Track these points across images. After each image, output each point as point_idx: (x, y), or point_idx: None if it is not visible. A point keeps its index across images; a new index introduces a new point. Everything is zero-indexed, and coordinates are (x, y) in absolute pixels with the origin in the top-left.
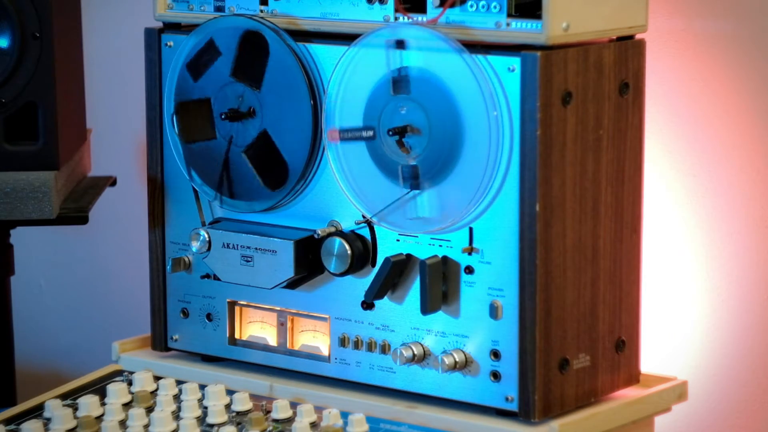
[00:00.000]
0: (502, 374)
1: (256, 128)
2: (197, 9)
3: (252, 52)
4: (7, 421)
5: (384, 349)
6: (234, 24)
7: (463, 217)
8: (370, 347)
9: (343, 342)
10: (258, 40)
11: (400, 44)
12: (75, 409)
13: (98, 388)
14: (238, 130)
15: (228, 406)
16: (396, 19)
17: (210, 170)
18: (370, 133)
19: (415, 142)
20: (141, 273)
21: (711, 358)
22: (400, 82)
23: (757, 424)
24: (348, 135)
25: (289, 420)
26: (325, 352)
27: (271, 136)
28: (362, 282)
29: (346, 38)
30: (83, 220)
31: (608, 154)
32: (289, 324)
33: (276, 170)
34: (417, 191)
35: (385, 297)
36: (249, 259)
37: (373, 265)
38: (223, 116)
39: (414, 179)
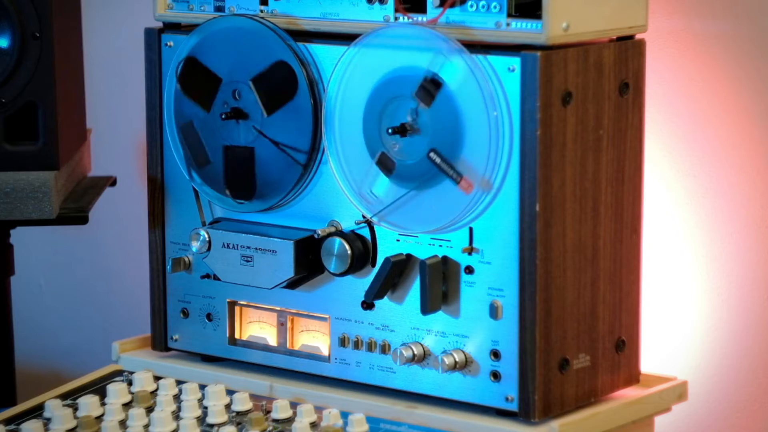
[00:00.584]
0: (502, 374)
1: (248, 140)
2: (197, 9)
3: (280, 82)
4: (7, 421)
5: (384, 349)
6: (241, 25)
7: (463, 217)
8: (370, 347)
9: (343, 342)
10: (289, 76)
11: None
12: (75, 409)
13: (98, 388)
14: (231, 123)
15: (228, 406)
16: (396, 19)
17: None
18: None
19: (416, 142)
20: (141, 273)
21: (711, 358)
22: (426, 90)
23: (757, 424)
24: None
25: (289, 420)
26: (325, 352)
27: (255, 158)
28: (362, 282)
29: (346, 38)
30: (83, 220)
31: (608, 154)
32: (289, 324)
33: (244, 185)
34: (416, 191)
35: (385, 297)
36: (249, 259)
37: (373, 265)
38: (223, 116)
39: (414, 180)
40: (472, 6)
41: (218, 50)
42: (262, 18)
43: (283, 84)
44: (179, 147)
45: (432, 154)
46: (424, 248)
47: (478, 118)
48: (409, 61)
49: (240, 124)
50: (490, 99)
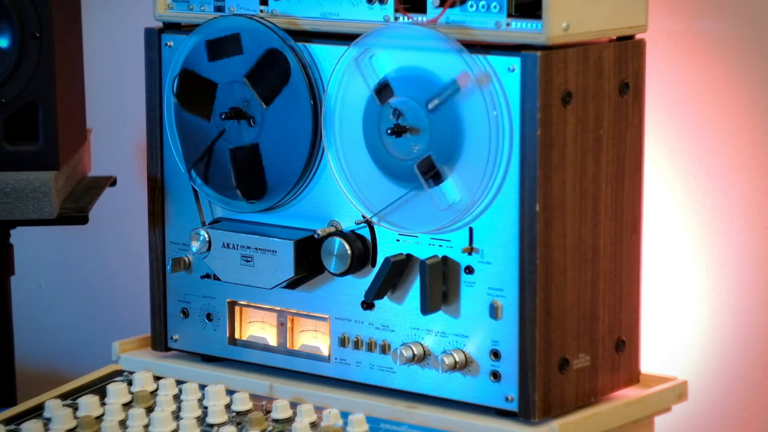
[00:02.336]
0: (502, 374)
1: (251, 137)
2: (197, 9)
3: (273, 71)
4: (7, 421)
5: (384, 349)
6: (243, 25)
7: (463, 217)
8: (370, 347)
9: (343, 342)
10: (282, 62)
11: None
12: (75, 409)
13: (98, 388)
14: (233, 126)
15: (228, 406)
16: (396, 19)
17: (194, 147)
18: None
19: (415, 142)
20: (141, 273)
21: (711, 358)
22: (381, 92)
23: (757, 424)
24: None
25: (289, 420)
26: (325, 352)
27: (262, 153)
28: (362, 282)
29: (346, 38)
30: (83, 220)
31: (608, 154)
32: (289, 324)
33: (255, 183)
34: (416, 191)
35: (385, 297)
36: (249, 259)
37: (373, 265)
38: (223, 116)
39: (431, 170)
40: (472, 6)
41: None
42: (262, 18)
43: (276, 72)
44: (179, 147)
45: (430, 105)
46: (424, 248)
47: (478, 118)
48: (409, 61)
49: (241, 123)
50: (490, 99)
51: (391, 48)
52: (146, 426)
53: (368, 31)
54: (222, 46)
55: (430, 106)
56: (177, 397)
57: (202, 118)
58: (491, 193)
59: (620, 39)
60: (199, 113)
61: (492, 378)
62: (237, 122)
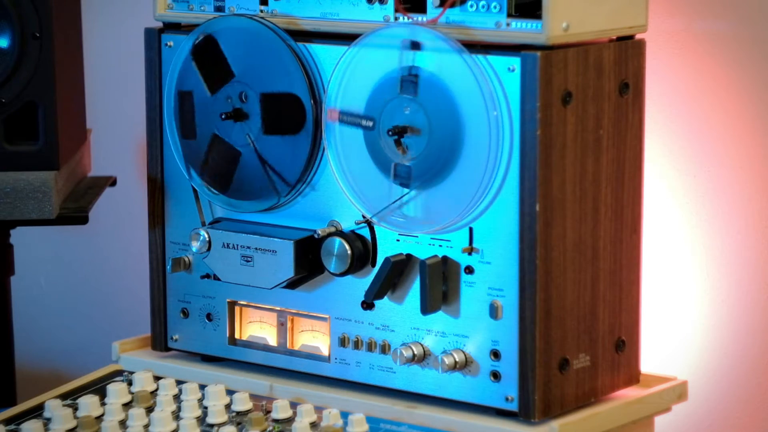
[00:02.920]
0: (502, 374)
1: (238, 143)
2: (197, 9)
3: (288, 112)
4: (7, 421)
5: (384, 349)
6: (241, 25)
7: (464, 217)
8: (370, 347)
9: (343, 342)
10: (298, 111)
11: (415, 45)
12: (75, 409)
13: (98, 388)
14: (241, 129)
15: (228, 406)
16: (396, 19)
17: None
18: (370, 123)
19: (415, 142)
20: (141, 273)
21: (711, 358)
22: (408, 82)
23: (757, 424)
24: (347, 119)
25: (289, 420)
26: (325, 352)
27: (240, 163)
28: (362, 282)
29: (346, 38)
30: (83, 220)
31: (608, 154)
32: (289, 324)
33: (221, 178)
34: (416, 191)
35: (385, 297)
36: (249, 259)
37: (373, 265)
38: (223, 116)
39: (406, 179)
40: (472, 6)
41: (236, 47)
42: (262, 18)
43: (290, 116)
44: (179, 147)
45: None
46: (424, 248)
47: (478, 118)
48: (409, 61)
49: (237, 124)
50: (490, 99)
51: (391, 48)
52: (146, 426)
53: (368, 31)
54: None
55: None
56: (177, 397)
57: (206, 86)
58: (491, 193)
59: (620, 39)
60: (207, 82)
61: (492, 378)
62: (235, 122)
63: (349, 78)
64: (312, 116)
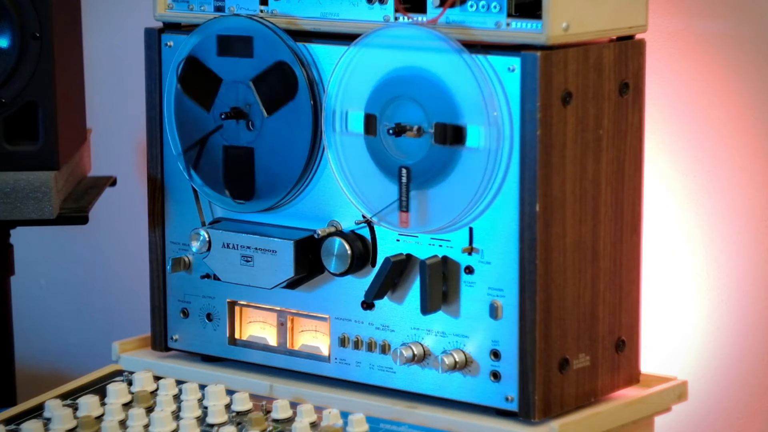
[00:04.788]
0: (502, 374)
1: (247, 140)
2: (197, 9)
3: (280, 82)
4: (7, 421)
5: (384, 349)
6: (241, 25)
7: (464, 217)
8: (370, 347)
9: (343, 342)
10: (290, 75)
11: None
12: (75, 409)
13: (98, 388)
14: (231, 124)
15: (228, 406)
16: (396, 19)
17: (220, 176)
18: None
19: (416, 142)
20: (141, 273)
21: (711, 358)
22: (368, 125)
23: (757, 424)
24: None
25: (289, 420)
26: (325, 352)
27: (255, 158)
28: (362, 282)
29: (346, 38)
30: (83, 220)
31: (608, 154)
32: (289, 324)
33: (244, 185)
34: (415, 191)
35: (385, 297)
36: (249, 259)
37: (373, 265)
38: (223, 116)
39: (410, 179)
40: (472, 6)
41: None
42: (262, 18)
43: (284, 84)
44: (179, 147)
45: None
46: (424, 248)
47: (478, 118)
48: (409, 61)
49: (240, 124)
50: (490, 99)
51: (391, 48)
52: (146, 426)
53: (368, 31)
54: (232, 45)
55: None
56: (177, 397)
57: (201, 107)
58: (491, 193)
59: (620, 39)
60: (200, 103)
61: (492, 378)
62: (236, 121)
63: (349, 78)
64: (312, 116)
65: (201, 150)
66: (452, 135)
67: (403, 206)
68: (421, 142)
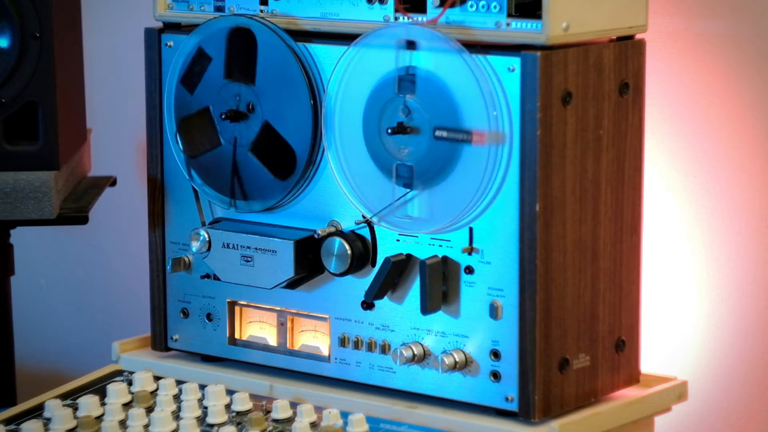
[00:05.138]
0: (502, 374)
1: (258, 123)
2: (197, 9)
3: (240, 49)
4: (7, 421)
5: (384, 349)
6: (229, 24)
7: (464, 217)
8: (370, 347)
9: (343, 342)
10: (244, 35)
11: (411, 45)
12: (75, 409)
13: (98, 388)
14: (240, 130)
15: (228, 406)
16: (396, 19)
17: (220, 177)
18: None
19: (415, 142)
20: (141, 273)
21: (711, 358)
22: (405, 81)
23: (757, 424)
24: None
25: (289, 420)
26: (325, 352)
27: (274, 125)
28: (362, 282)
29: (346, 38)
30: (83, 220)
31: (608, 154)
32: (289, 324)
33: (284, 159)
34: (414, 191)
35: (385, 297)
36: (249, 259)
37: (373, 265)
38: (223, 116)
39: (409, 179)
40: (472, 6)
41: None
42: (262, 18)
43: (244, 47)
44: (173, 118)
45: (438, 132)
46: (424, 248)
47: (478, 118)
48: (408, 61)
49: (242, 124)
50: (490, 99)
51: (391, 48)
52: (146, 426)
53: (368, 31)
54: (193, 71)
55: (436, 134)
56: (177, 397)
57: (214, 148)
58: (491, 193)
59: (620, 39)
60: (210, 145)
61: (492, 378)
62: (242, 123)
63: (349, 78)
64: (312, 115)
65: (239, 178)
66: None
67: (466, 138)
68: (421, 142)
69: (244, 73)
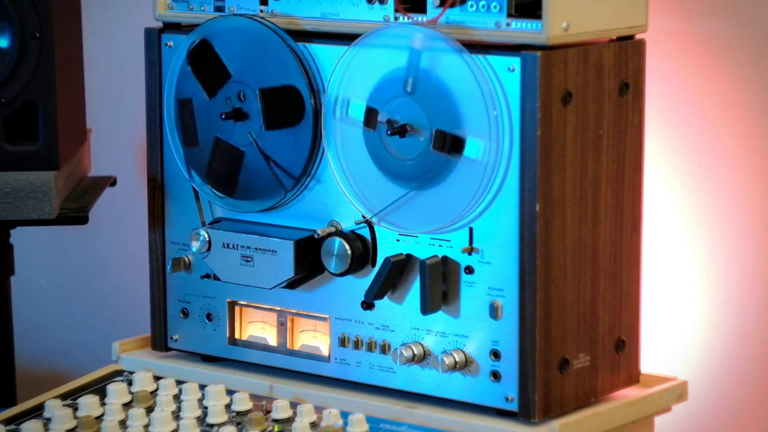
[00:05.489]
0: (502, 374)
1: (258, 123)
2: (197, 9)
3: (286, 106)
4: (7, 421)
5: (384, 349)
6: (239, 25)
7: (463, 217)
8: (370, 347)
9: (343, 342)
10: (298, 102)
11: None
12: (75, 409)
13: (98, 388)
14: (241, 129)
15: (228, 406)
16: (396, 19)
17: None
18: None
19: (415, 142)
20: (141, 273)
21: (711, 358)
22: (368, 118)
23: (757, 424)
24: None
25: (289, 420)
26: (325, 352)
27: (244, 162)
28: (362, 282)
29: (346, 38)
30: (83, 220)
31: (608, 154)
32: (289, 324)
33: (227, 181)
34: (415, 191)
35: (385, 297)
36: (249, 259)
37: (373, 265)
38: (223, 116)
39: (410, 179)
40: (472, 6)
41: (231, 47)
42: (262, 18)
43: (290, 107)
44: (179, 147)
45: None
46: (424, 248)
47: (478, 118)
48: (399, 62)
49: (237, 124)
50: (490, 99)
51: (391, 48)
52: (146, 426)
53: (368, 31)
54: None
55: (408, 89)
56: (177, 397)
57: (206, 92)
58: (491, 193)
59: (620, 39)
60: (205, 87)
61: (492, 378)
62: (234, 120)
63: (349, 78)
64: (312, 116)
65: (194, 131)
66: (451, 142)
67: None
68: (421, 142)
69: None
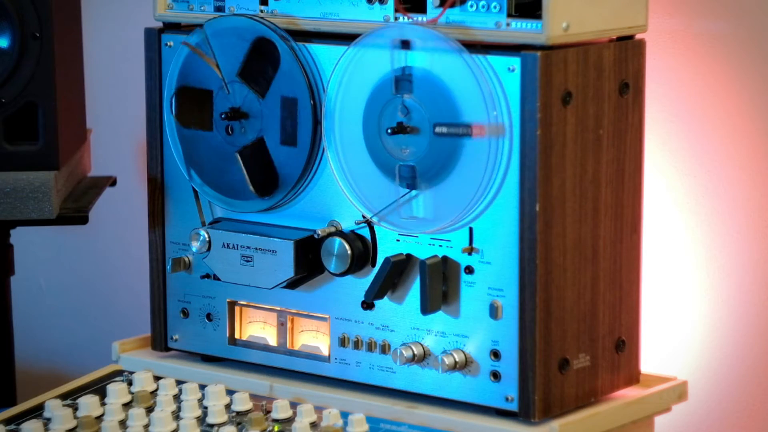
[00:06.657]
0: (502, 374)
1: (254, 132)
2: (197, 9)
3: (262, 60)
4: (7, 421)
5: (384, 349)
6: (235, 24)
7: (464, 217)
8: (370, 347)
9: (343, 342)
10: (270, 50)
11: (405, 44)
12: (75, 409)
13: (98, 388)
14: (236, 127)
15: (228, 406)
16: (396, 19)
17: (220, 175)
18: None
19: (416, 142)
20: (141, 273)
21: (711, 358)
22: (402, 81)
23: (757, 424)
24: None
25: (289, 420)
26: (325, 352)
27: (268, 145)
28: (362, 282)
29: (346, 38)
30: (83, 220)
31: (608, 154)
32: (289, 324)
33: (267, 178)
34: (416, 191)
35: (385, 297)
36: (249, 259)
37: (373, 265)
38: (223, 116)
39: (411, 179)
40: (472, 6)
41: (230, 47)
42: (262, 18)
43: (266, 60)
44: (179, 147)
45: (438, 129)
46: (424, 248)
47: (478, 118)
48: (404, 61)
49: (242, 123)
50: (490, 99)
51: (391, 48)
52: (146, 426)
53: (368, 31)
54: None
55: (437, 130)
56: (177, 397)
57: (204, 130)
58: (491, 193)
59: (620, 39)
60: (201, 126)
61: (492, 378)
62: (239, 123)
63: (349, 78)
64: (312, 116)
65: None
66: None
67: (465, 132)
68: (421, 142)
69: (256, 81)
